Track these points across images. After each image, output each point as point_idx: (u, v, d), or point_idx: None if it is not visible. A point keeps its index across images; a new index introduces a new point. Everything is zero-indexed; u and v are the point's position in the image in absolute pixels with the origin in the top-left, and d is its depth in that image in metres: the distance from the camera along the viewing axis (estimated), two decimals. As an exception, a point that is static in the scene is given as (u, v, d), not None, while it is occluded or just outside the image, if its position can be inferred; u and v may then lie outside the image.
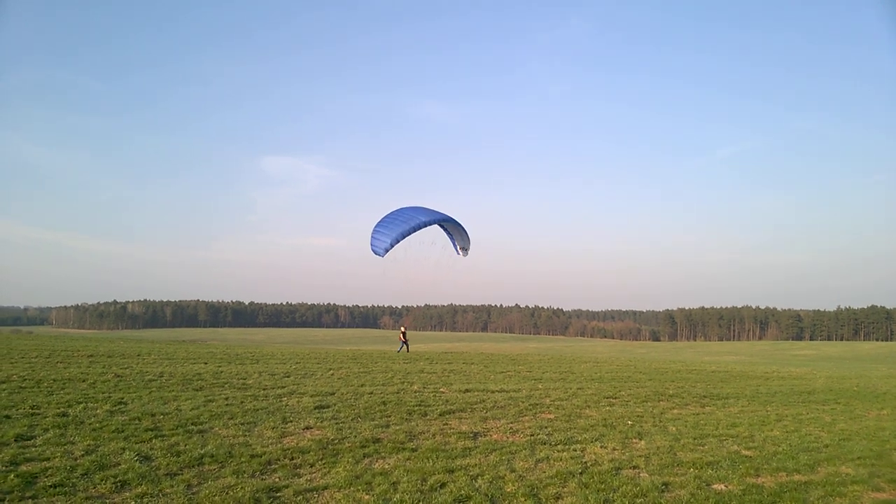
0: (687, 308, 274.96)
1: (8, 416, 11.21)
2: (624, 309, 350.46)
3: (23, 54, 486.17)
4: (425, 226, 25.07)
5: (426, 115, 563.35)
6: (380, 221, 25.06)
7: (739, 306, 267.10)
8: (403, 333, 39.63)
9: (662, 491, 8.68)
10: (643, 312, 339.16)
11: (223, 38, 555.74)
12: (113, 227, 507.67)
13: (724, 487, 9.00)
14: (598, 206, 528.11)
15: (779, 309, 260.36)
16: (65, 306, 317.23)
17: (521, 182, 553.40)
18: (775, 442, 12.55)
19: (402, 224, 24.47)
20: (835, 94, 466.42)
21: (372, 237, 24.70)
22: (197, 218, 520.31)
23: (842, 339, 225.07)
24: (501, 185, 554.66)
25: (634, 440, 12.05)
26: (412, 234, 24.45)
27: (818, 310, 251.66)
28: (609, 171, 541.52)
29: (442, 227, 26.89)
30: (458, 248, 27.76)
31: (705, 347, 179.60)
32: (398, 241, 24.17)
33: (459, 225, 26.40)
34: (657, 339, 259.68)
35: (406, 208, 25.64)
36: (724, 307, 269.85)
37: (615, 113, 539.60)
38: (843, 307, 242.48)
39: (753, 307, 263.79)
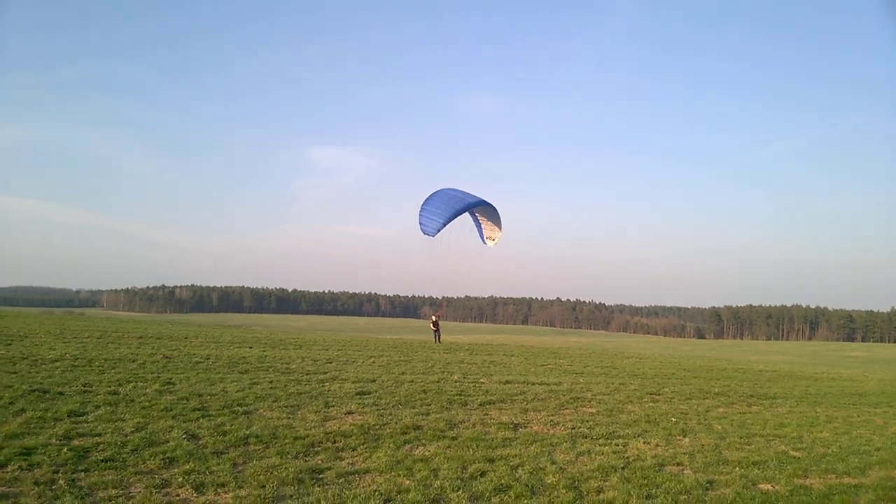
0: (734, 305, 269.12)
1: (61, 393, 11.61)
2: (668, 305, 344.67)
3: (86, 47, 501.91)
4: (473, 207, 24.73)
5: (471, 106, 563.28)
6: (427, 200, 24.69)
7: (789, 305, 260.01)
8: (435, 322, 36.58)
9: (707, 489, 8.52)
10: (688, 309, 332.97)
11: (271, 28, 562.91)
12: (163, 214, 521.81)
13: (770, 487, 8.80)
14: (643, 201, 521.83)
15: (830, 309, 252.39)
16: (115, 290, 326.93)
17: (567, 174, 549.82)
18: (824, 444, 12.22)
19: (453, 204, 24.05)
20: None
21: (421, 216, 24.30)
22: (244, 207, 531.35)
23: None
24: (547, 178, 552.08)
25: (678, 437, 11.86)
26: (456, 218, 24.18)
27: (871, 311, 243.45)
28: (654, 167, 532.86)
29: (472, 213, 26.34)
30: (485, 237, 26.91)
31: (752, 346, 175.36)
32: (450, 222, 23.82)
33: (496, 211, 25.81)
34: (702, 337, 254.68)
35: (449, 189, 25.33)
36: (772, 305, 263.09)
37: (671, 99, 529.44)
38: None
39: (803, 306, 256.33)
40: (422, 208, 24.58)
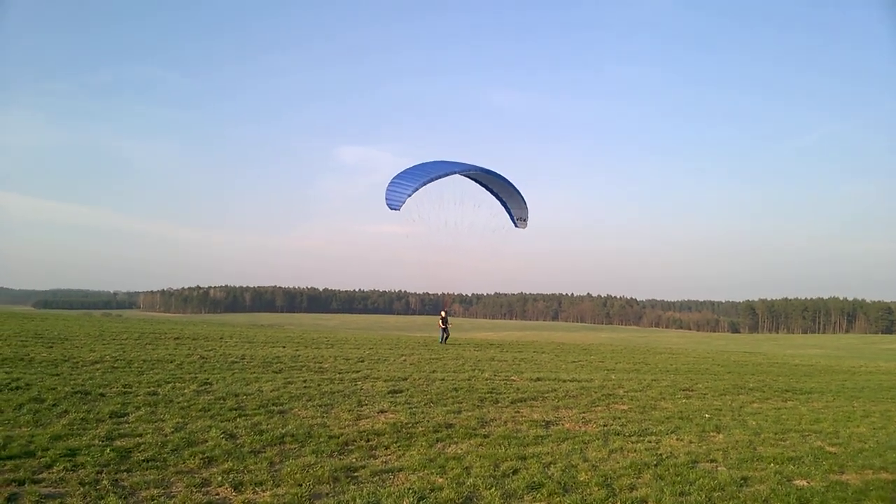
0: (769, 299, 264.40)
1: (102, 395, 11.93)
2: (701, 299, 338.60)
3: (115, 51, 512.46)
4: (455, 173, 21.02)
5: (500, 101, 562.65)
6: (399, 173, 20.76)
7: (825, 297, 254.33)
8: (444, 319, 32.21)
9: (741, 485, 8.48)
10: (722, 303, 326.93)
11: (294, 27, 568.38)
12: (196, 216, 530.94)
13: (806, 483, 8.72)
14: (677, 193, 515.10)
15: (868, 301, 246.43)
16: (151, 291, 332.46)
17: (594, 170, 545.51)
18: (861, 439, 12.04)
19: (425, 174, 20.27)
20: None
21: (388, 188, 20.30)
22: (275, 207, 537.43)
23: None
24: (574, 174, 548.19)
25: (712, 433, 11.79)
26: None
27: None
28: (687, 157, 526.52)
29: (491, 190, 22.65)
30: (515, 218, 23.01)
31: (788, 340, 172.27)
32: (416, 191, 20.21)
33: (510, 184, 21.98)
34: (736, 331, 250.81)
35: (434, 162, 21.36)
36: (808, 298, 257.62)
37: (694, 94, 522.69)
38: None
39: (840, 298, 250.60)
40: (392, 179, 20.47)
